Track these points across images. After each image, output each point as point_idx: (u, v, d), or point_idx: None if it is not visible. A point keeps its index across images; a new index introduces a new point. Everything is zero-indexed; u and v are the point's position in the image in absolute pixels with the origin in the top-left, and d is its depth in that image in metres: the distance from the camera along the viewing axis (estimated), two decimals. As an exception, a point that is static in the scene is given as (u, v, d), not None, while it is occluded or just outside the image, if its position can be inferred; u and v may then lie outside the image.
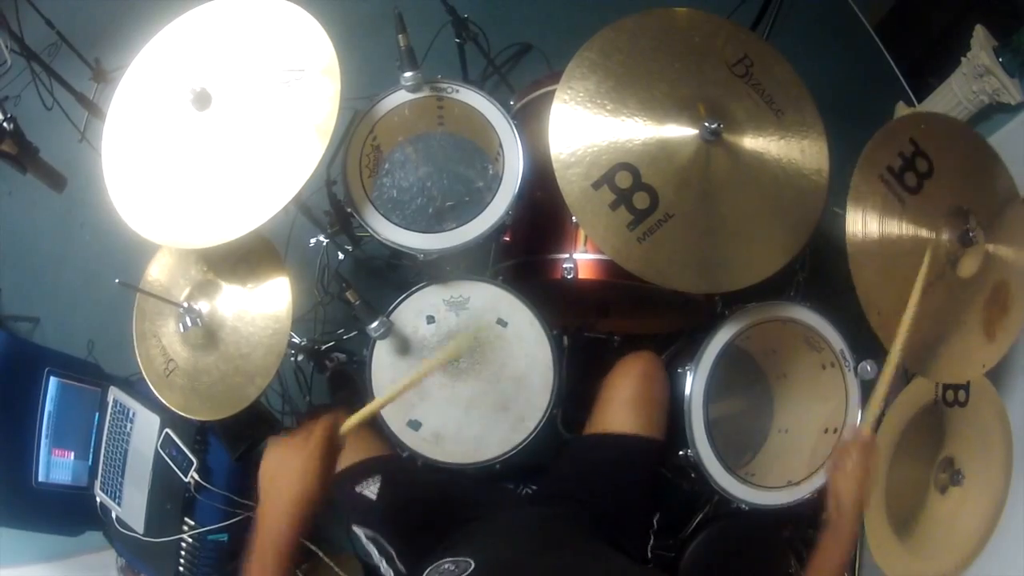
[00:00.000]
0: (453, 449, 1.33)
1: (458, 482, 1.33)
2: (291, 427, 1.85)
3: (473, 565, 0.87)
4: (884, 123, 1.28)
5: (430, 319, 1.37)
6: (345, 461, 1.31)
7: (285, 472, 0.85)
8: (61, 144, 2.18)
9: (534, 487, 1.38)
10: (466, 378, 1.36)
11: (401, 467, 1.23)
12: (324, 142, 1.17)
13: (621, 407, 1.28)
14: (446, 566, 0.89)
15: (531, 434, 1.32)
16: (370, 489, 1.29)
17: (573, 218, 1.21)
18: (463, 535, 1.12)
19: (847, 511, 1.03)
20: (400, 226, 1.35)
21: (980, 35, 1.83)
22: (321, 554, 1.63)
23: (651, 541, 1.28)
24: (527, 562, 0.95)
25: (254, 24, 1.27)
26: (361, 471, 1.30)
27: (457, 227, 1.35)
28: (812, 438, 1.41)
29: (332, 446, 0.89)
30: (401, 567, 1.18)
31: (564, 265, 1.36)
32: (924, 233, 1.24)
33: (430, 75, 1.44)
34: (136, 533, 1.55)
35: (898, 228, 1.22)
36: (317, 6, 1.27)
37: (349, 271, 2.06)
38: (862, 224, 1.20)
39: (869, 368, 1.30)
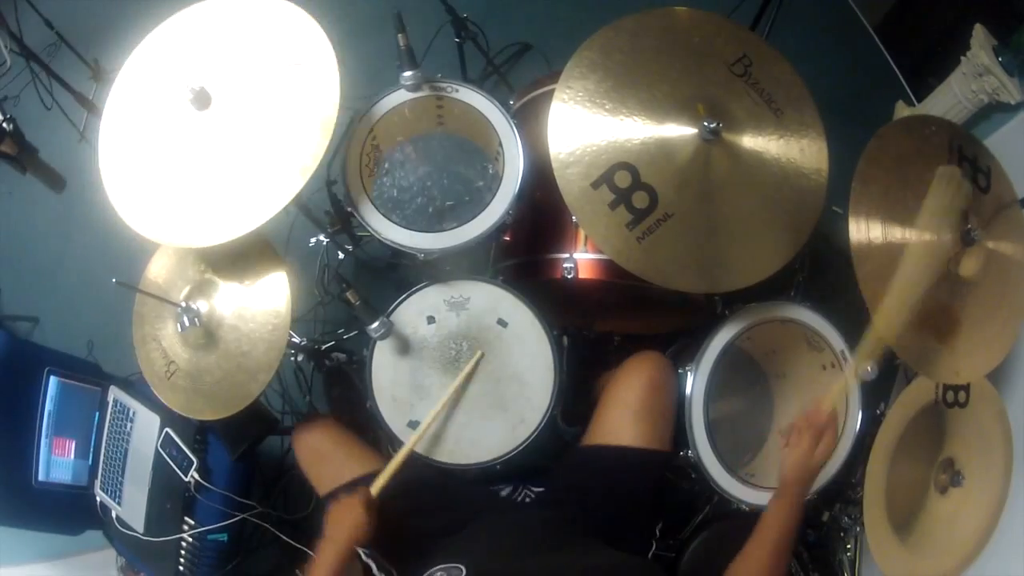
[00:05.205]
0: (453, 449, 1.33)
1: (452, 487, 1.32)
2: (291, 427, 1.84)
3: (464, 572, 0.88)
4: (884, 123, 1.29)
5: (430, 319, 1.37)
6: (341, 477, 1.29)
7: (343, 521, 1.11)
8: (61, 144, 2.19)
9: (534, 493, 1.36)
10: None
11: (396, 479, 1.22)
12: (324, 142, 1.17)
13: (625, 417, 1.24)
14: (438, 575, 0.89)
15: (531, 434, 1.32)
16: None
17: (573, 218, 1.21)
18: (455, 542, 1.12)
19: (787, 482, 1.12)
20: (400, 226, 1.35)
21: (980, 35, 1.83)
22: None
23: (653, 548, 1.27)
24: (520, 566, 0.95)
25: (254, 24, 1.26)
26: (356, 487, 1.29)
27: (457, 227, 1.35)
28: (812, 438, 1.41)
29: (371, 502, 1.14)
30: None
31: (564, 265, 1.36)
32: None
33: (429, 74, 1.44)
34: (136, 532, 1.55)
35: (917, 172, 1.25)
36: (316, 6, 1.27)
37: (349, 271, 2.06)
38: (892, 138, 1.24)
39: (869, 369, 1.29)
